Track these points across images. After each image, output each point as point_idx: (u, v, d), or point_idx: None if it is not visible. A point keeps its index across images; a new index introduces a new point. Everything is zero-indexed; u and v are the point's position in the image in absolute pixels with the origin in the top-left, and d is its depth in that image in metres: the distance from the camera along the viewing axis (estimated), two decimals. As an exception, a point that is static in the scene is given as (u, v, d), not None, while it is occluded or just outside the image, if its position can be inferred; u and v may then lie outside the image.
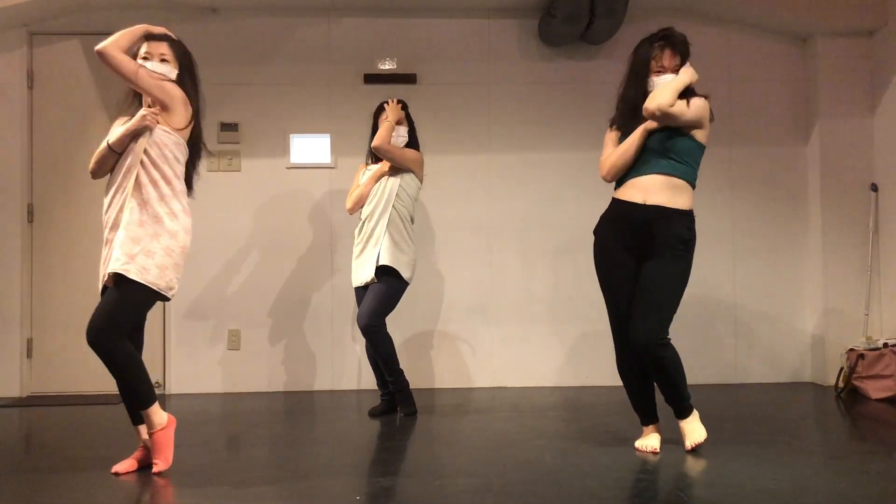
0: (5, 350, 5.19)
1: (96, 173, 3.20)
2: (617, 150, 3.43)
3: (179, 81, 3.26)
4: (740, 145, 5.42)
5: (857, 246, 5.22)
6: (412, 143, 4.53)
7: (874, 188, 5.22)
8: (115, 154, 3.14)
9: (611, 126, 3.53)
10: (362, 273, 4.38)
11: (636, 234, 3.36)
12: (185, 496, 2.92)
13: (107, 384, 5.22)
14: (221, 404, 4.88)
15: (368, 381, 5.16)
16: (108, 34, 3.21)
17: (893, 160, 5.10)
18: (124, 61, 3.08)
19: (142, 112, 3.15)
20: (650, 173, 3.35)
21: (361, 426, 4.22)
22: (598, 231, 3.50)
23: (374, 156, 4.53)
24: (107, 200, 3.15)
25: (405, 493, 2.91)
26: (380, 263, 4.29)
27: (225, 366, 5.27)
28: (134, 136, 3.13)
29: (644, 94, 3.39)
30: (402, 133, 4.46)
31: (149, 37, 3.27)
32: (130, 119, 3.19)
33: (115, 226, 3.10)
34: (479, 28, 5.43)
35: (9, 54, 5.24)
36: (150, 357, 3.31)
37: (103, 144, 3.16)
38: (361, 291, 4.40)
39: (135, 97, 3.29)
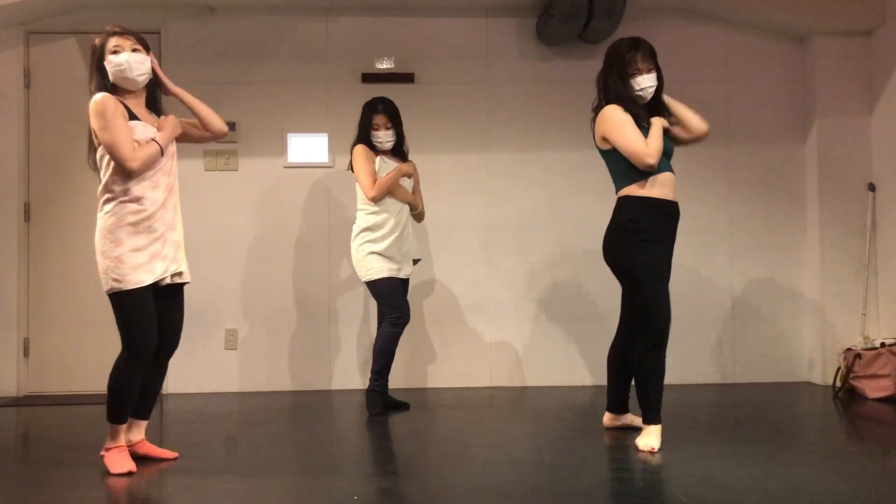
0: (2, 349, 5.17)
1: (139, 174, 3.18)
2: (657, 141, 3.54)
3: (154, 75, 3.34)
4: (738, 144, 5.42)
5: (854, 245, 5.23)
6: (399, 144, 4.58)
7: (871, 188, 5.22)
8: (162, 155, 3.25)
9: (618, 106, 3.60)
10: (407, 266, 4.54)
11: (670, 229, 3.63)
12: (181, 496, 2.92)
13: (103, 384, 5.21)
14: (219, 404, 4.88)
15: (365, 380, 5.15)
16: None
17: (891, 160, 5.10)
18: (149, 155, 3.20)
19: (172, 116, 3.36)
20: (668, 170, 3.63)
21: (358, 426, 4.22)
22: (644, 224, 3.54)
23: (395, 155, 4.59)
24: (158, 198, 3.22)
25: (403, 492, 2.91)
26: (416, 258, 4.64)
27: (222, 365, 5.26)
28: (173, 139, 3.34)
29: (630, 92, 3.62)
30: (389, 137, 4.51)
31: (110, 32, 3.28)
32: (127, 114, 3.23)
33: (172, 226, 3.29)
34: (478, 27, 5.43)
35: (5, 53, 5.23)
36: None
37: (152, 146, 3.19)
38: (398, 282, 4.47)
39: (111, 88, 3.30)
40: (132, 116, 3.22)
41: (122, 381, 3.21)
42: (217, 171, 5.29)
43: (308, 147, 5.36)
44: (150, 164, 3.19)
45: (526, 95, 5.41)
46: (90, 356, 5.26)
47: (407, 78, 5.36)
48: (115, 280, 3.16)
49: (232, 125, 5.29)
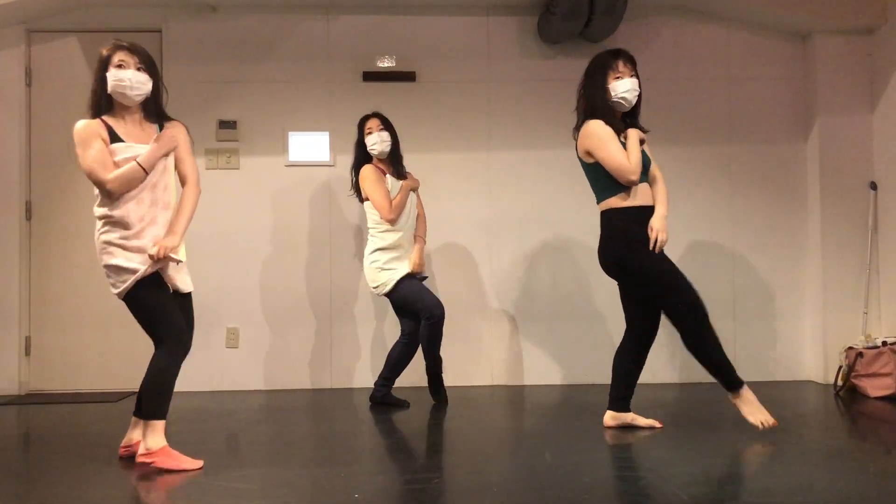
0: (4, 348, 5.18)
1: (120, 193, 3.18)
2: (637, 156, 3.62)
3: (155, 88, 3.31)
4: (739, 143, 5.41)
5: (856, 244, 5.22)
6: (395, 149, 4.62)
7: (873, 187, 5.21)
8: (146, 174, 3.21)
9: (602, 120, 3.68)
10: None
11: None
12: (182, 493, 2.92)
13: (105, 382, 5.24)
14: (220, 402, 4.88)
15: (366, 379, 5.17)
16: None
17: (892, 158, 5.10)
18: (128, 176, 3.17)
19: (168, 132, 3.30)
20: (644, 181, 3.72)
21: (359, 424, 4.22)
22: (636, 231, 3.62)
23: (392, 166, 4.63)
24: (144, 215, 3.20)
25: (403, 490, 2.91)
26: (424, 276, 4.72)
27: (223, 364, 5.26)
28: (165, 155, 3.28)
29: (609, 100, 3.70)
30: (384, 138, 4.56)
31: (119, 46, 3.26)
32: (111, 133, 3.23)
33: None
34: (479, 25, 5.42)
35: (7, 52, 5.23)
36: (148, 356, 3.30)
37: (131, 166, 3.17)
38: (417, 283, 4.60)
39: (106, 100, 3.27)
40: (116, 138, 3.22)
41: None
42: (218, 170, 5.29)
43: (309, 146, 5.36)
44: (130, 185, 3.18)
45: (527, 94, 5.41)
46: (91, 354, 5.27)
47: (408, 76, 5.35)
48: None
49: (233, 124, 5.31)
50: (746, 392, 3.65)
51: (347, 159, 5.16)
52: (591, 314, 5.32)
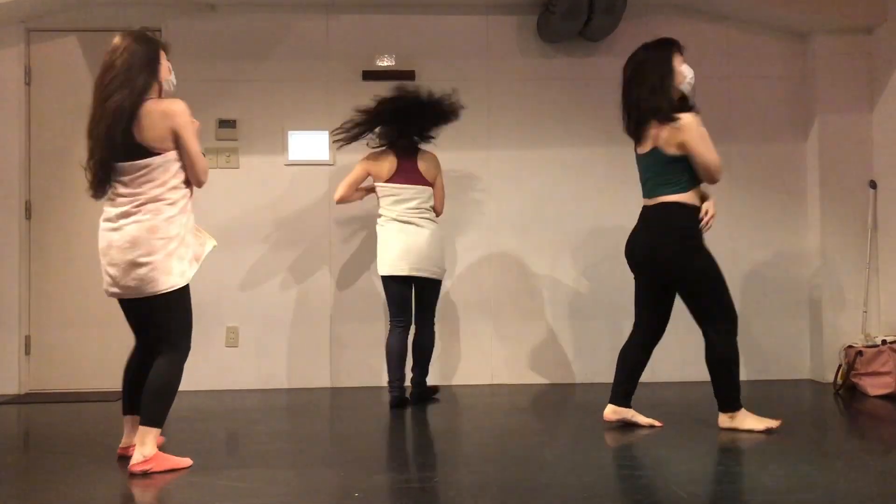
0: (3, 347, 5.18)
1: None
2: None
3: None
4: (739, 142, 5.41)
5: (855, 243, 5.22)
6: None
7: (873, 185, 5.22)
8: None
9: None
10: None
11: None
12: (181, 493, 2.92)
13: (104, 381, 5.24)
14: (219, 401, 4.88)
15: (366, 378, 5.17)
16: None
17: (892, 157, 5.10)
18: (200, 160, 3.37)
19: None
20: None
21: (359, 423, 4.22)
22: (694, 229, 3.64)
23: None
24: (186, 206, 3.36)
25: (403, 489, 2.91)
26: None
27: (223, 363, 5.26)
28: None
29: (679, 92, 3.70)
30: None
31: (167, 47, 3.37)
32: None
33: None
34: (478, 24, 5.42)
35: (6, 51, 5.23)
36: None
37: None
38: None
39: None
40: None
41: None
42: (218, 169, 5.28)
43: (309, 145, 5.36)
44: None
45: (527, 93, 5.40)
46: (91, 353, 5.27)
47: (407, 75, 5.34)
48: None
49: (232, 123, 5.31)
50: (742, 411, 3.68)
51: (347, 158, 5.17)
52: (591, 313, 5.31)
